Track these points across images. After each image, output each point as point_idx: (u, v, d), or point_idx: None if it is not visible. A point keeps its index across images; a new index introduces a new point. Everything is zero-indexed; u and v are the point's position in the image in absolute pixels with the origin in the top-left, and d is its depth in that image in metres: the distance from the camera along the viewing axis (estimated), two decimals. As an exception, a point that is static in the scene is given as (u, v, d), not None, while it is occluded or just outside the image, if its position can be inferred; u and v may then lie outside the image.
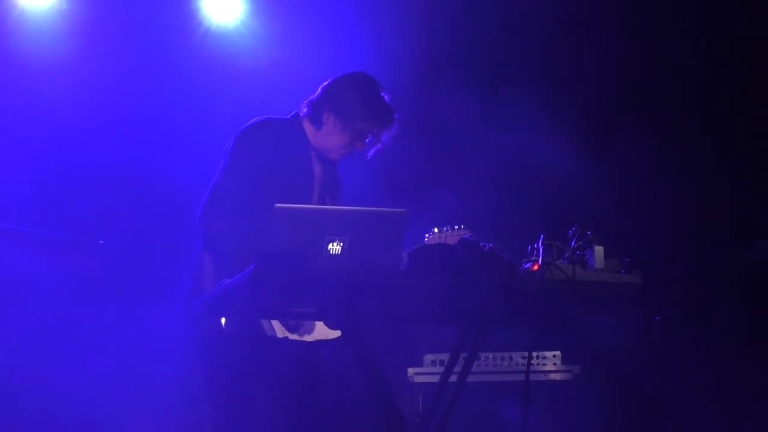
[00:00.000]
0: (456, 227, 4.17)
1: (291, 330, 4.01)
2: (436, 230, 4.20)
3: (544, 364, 5.43)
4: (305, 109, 4.23)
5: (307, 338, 4.07)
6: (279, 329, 3.98)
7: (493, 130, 6.36)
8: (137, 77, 6.17)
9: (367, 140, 4.19)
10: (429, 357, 5.45)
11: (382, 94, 4.21)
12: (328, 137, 4.19)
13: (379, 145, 4.20)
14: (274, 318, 3.94)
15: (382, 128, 4.17)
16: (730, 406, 5.50)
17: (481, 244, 3.63)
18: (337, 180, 4.39)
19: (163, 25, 6.26)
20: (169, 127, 6.15)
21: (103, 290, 5.39)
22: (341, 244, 3.40)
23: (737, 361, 5.52)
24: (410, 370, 5.42)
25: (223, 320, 3.93)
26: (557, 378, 5.44)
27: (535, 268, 3.69)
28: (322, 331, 4.10)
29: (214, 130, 4.90)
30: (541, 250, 3.74)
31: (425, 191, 6.10)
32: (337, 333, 4.11)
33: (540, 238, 3.77)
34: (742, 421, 5.41)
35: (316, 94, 4.24)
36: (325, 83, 4.24)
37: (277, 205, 3.37)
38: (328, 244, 3.39)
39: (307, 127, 4.23)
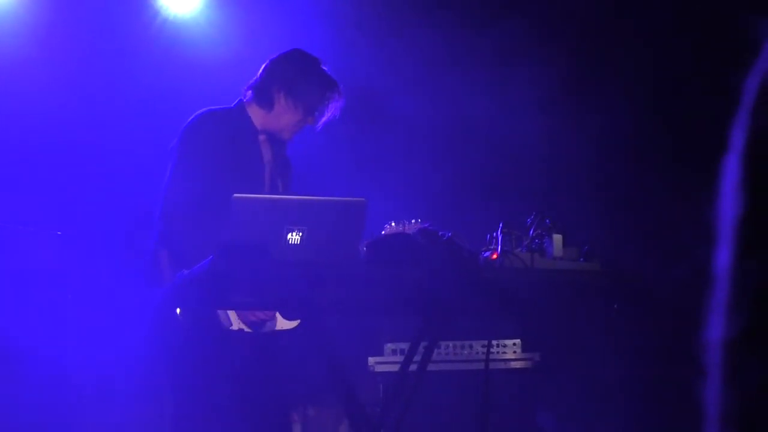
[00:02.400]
0: (413, 221, 4.18)
1: (252, 327, 4.00)
2: (393, 224, 4.21)
3: (504, 353, 5.44)
4: (249, 93, 4.22)
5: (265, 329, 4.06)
6: (235, 321, 3.97)
7: (451, 115, 6.37)
8: (92, 69, 6.10)
9: (318, 113, 4.20)
10: (390, 346, 5.45)
11: (323, 67, 4.24)
12: (280, 117, 4.18)
13: (328, 117, 4.21)
14: (233, 309, 3.92)
15: (331, 100, 4.18)
16: (689, 393, 5.55)
17: (441, 233, 3.64)
18: (288, 161, 4.39)
19: (117, 15, 6.19)
20: (125, 118, 6.10)
21: (60, 281, 5.35)
22: (300, 233, 3.40)
23: (695, 349, 5.56)
24: (371, 360, 5.42)
25: (178, 310, 3.91)
26: (517, 366, 5.45)
27: (494, 256, 3.70)
28: (279, 322, 4.10)
29: (172, 122, 4.86)
30: (500, 238, 3.76)
31: (381, 180, 6.09)
32: (294, 323, 4.10)
33: (499, 226, 3.79)
34: (701, 407, 5.45)
35: (257, 77, 4.22)
36: (266, 64, 4.24)
37: (236, 195, 3.36)
38: (287, 233, 3.39)
39: (254, 111, 4.21)
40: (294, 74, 4.17)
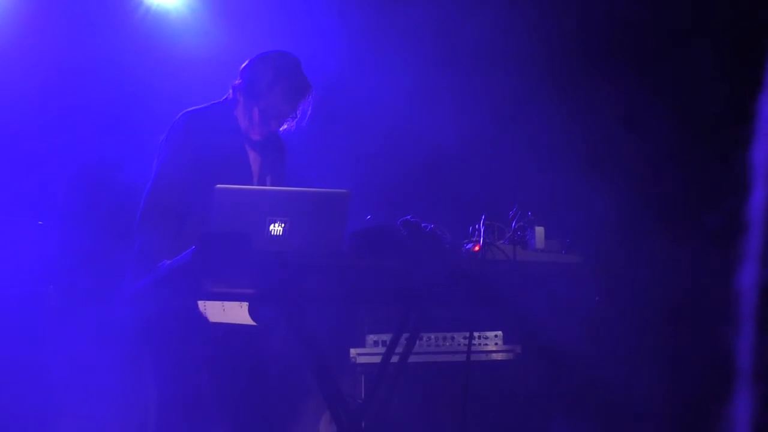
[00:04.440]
0: None
1: None
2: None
3: (486, 345, 5.46)
4: (231, 92, 4.23)
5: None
6: (212, 313, 3.97)
7: (432, 109, 6.37)
8: (73, 59, 6.05)
9: (280, 116, 4.16)
10: (371, 337, 5.46)
11: (295, 67, 4.18)
12: (242, 118, 4.18)
13: (296, 118, 4.18)
14: (213, 300, 3.93)
15: (294, 103, 4.15)
16: (670, 383, 5.57)
17: (423, 224, 3.65)
18: (281, 153, 4.36)
19: (99, 5, 6.16)
20: (108, 109, 6.07)
21: (42, 271, 5.34)
22: (283, 225, 3.40)
23: (677, 340, 5.59)
24: (353, 351, 5.43)
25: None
26: (499, 358, 5.47)
27: (477, 248, 3.71)
28: (244, 318, 4.09)
29: (155, 112, 4.86)
30: (482, 230, 3.76)
31: (365, 173, 6.09)
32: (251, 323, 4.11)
33: (481, 218, 3.80)
34: (683, 399, 5.48)
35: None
36: (243, 64, 4.23)
37: (218, 185, 3.36)
38: (270, 225, 3.39)
39: (236, 110, 4.21)
40: (253, 77, 4.15)
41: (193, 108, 4.20)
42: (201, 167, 4.01)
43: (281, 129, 4.23)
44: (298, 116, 4.19)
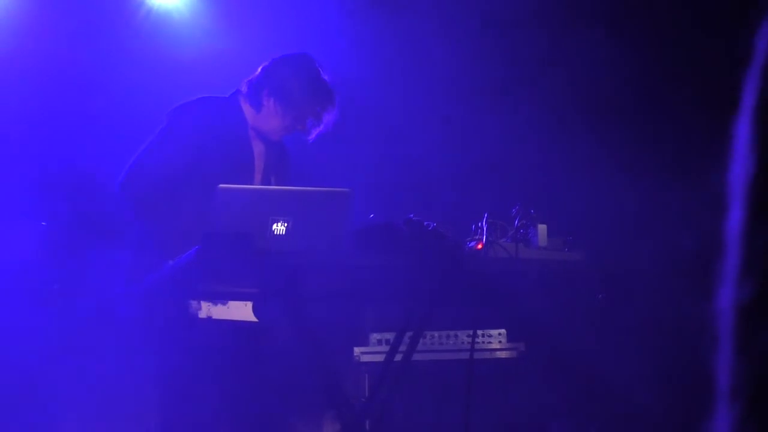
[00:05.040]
0: None
1: None
2: None
3: (490, 342, 5.45)
4: (245, 89, 4.20)
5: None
6: (205, 309, 3.97)
7: (433, 107, 6.36)
8: (73, 61, 6.03)
9: (308, 122, 4.17)
10: (375, 336, 5.45)
11: (323, 75, 4.19)
12: (268, 120, 4.16)
13: (321, 127, 4.18)
14: (218, 300, 3.92)
15: (323, 111, 4.14)
16: (673, 381, 5.57)
17: (426, 223, 3.65)
18: (285, 156, 4.36)
19: (100, 5, 6.15)
20: (108, 111, 6.06)
21: (46, 271, 5.34)
22: (286, 224, 3.40)
23: (678, 337, 5.59)
24: (356, 350, 5.43)
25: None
26: (502, 356, 5.46)
27: (480, 246, 3.72)
28: (247, 316, 4.09)
29: (155, 114, 4.84)
30: (485, 228, 3.77)
31: (368, 171, 6.09)
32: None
33: (484, 216, 3.80)
34: (686, 395, 5.47)
35: (255, 75, 4.19)
36: (265, 64, 4.20)
37: (221, 185, 3.36)
38: (273, 224, 3.39)
39: (246, 107, 4.20)
40: (287, 80, 4.12)
41: (199, 96, 4.20)
42: (203, 151, 4.01)
43: (310, 136, 4.24)
44: (324, 125, 4.19)
